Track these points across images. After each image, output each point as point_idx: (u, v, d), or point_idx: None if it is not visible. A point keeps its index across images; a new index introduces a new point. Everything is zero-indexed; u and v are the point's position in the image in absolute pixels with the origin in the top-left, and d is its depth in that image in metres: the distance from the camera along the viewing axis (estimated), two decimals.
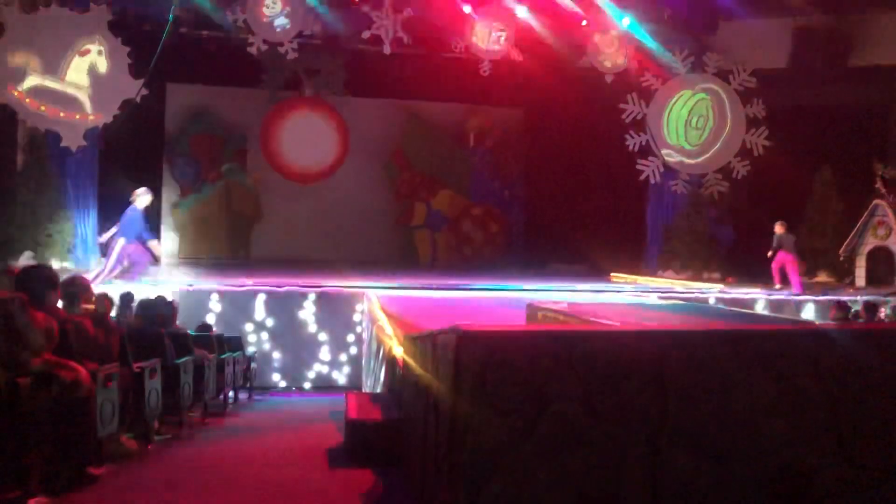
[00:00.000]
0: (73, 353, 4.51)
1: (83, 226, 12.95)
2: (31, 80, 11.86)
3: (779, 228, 13.19)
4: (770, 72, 14.40)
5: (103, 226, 13.40)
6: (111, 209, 13.92)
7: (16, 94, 11.80)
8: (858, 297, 11.27)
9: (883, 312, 10.01)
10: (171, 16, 12.58)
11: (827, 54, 14.14)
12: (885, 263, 13.93)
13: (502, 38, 13.62)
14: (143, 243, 10.87)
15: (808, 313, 11.73)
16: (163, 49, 12.52)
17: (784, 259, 13.01)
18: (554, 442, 2.98)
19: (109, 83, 12.26)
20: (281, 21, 12.60)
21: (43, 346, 4.25)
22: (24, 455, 3.96)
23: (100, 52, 12.16)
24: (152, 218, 16.17)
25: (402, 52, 13.71)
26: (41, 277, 4.77)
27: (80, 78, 12.16)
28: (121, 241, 10.64)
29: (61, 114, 12.03)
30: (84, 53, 12.10)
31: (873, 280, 13.92)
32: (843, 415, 3.24)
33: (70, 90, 12.11)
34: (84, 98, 12.21)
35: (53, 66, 12.01)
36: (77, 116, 12.19)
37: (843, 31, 14.16)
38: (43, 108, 11.95)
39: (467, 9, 13.40)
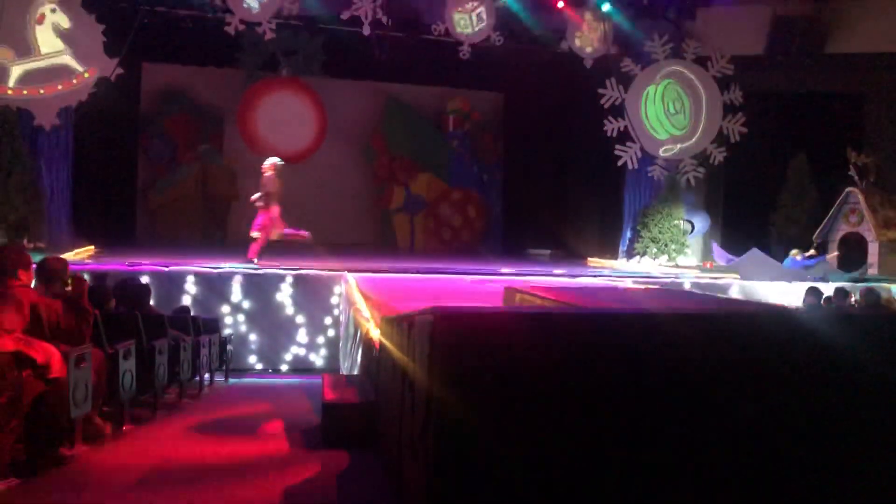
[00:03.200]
0: (45, 334, 4.47)
1: (57, 206, 12.77)
2: (16, 71, 11.68)
3: (269, 170, 10.90)
4: (747, 59, 14.50)
5: (81, 208, 13.28)
6: (85, 190, 13.80)
7: (10, 92, 11.64)
8: (830, 283, 11.41)
9: (853, 298, 10.14)
10: None
11: (803, 42, 14.25)
12: (858, 249, 14.13)
13: (483, 14, 13.57)
14: None
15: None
16: (138, 28, 12.35)
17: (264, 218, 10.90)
18: (530, 423, 3.00)
19: (81, 33, 12.02)
20: (252, 2, 12.46)
21: (15, 326, 4.21)
22: None
23: (53, 11, 11.89)
24: (127, 199, 16.11)
25: (382, 33, 13.63)
26: (13, 256, 4.71)
27: (54, 43, 11.93)
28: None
29: (59, 87, 11.86)
30: (41, 20, 11.87)
31: (846, 266, 14.13)
32: (815, 397, 3.29)
33: (54, 60, 11.92)
34: (70, 60, 12.01)
35: (24, 47, 11.80)
36: (74, 81, 12.00)
37: (820, 18, 14.26)
38: (42, 90, 11.78)
39: None
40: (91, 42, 12.07)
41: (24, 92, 11.73)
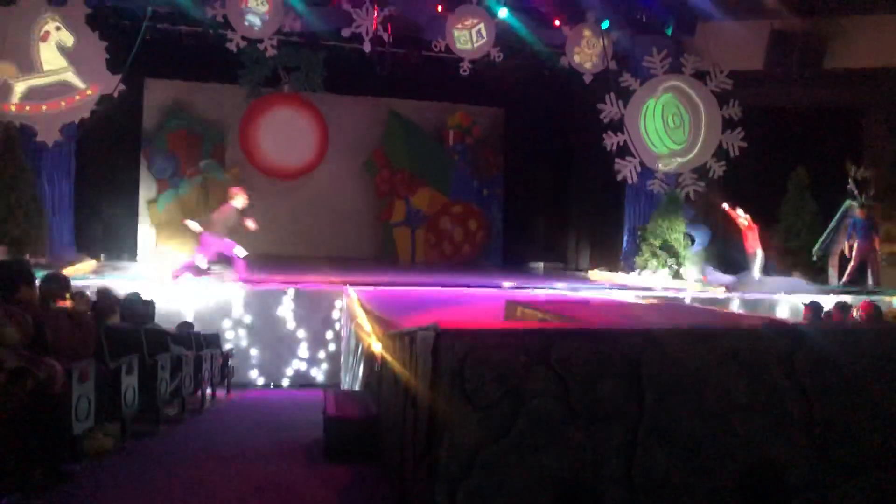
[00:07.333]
0: (48, 349, 4.48)
1: (59, 222, 12.79)
2: (20, 88, 11.77)
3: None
4: (746, 73, 14.57)
5: (78, 222, 13.30)
6: (87, 205, 13.83)
7: (13, 108, 11.71)
8: (830, 297, 11.41)
9: (854, 312, 10.13)
10: (149, 11, 12.49)
11: (802, 57, 14.32)
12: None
13: (482, 31, 13.65)
14: None
15: (782, 313, 11.87)
16: (141, 44, 12.42)
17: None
18: (532, 438, 3.01)
19: (85, 50, 12.10)
20: (254, 19, 12.54)
21: (17, 341, 4.23)
22: None
23: (58, 28, 11.97)
24: (129, 214, 16.14)
25: (382, 50, 13.71)
26: (16, 271, 4.74)
27: (57, 60, 12.01)
28: None
29: (62, 103, 11.96)
30: (45, 37, 11.95)
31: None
32: (815, 411, 3.30)
33: (57, 77, 11.99)
34: (73, 77, 12.07)
35: (28, 64, 11.89)
36: (77, 97, 12.09)
37: (818, 34, 14.34)
38: (45, 106, 11.88)
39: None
40: (94, 59, 12.15)
41: (27, 108, 11.82)
